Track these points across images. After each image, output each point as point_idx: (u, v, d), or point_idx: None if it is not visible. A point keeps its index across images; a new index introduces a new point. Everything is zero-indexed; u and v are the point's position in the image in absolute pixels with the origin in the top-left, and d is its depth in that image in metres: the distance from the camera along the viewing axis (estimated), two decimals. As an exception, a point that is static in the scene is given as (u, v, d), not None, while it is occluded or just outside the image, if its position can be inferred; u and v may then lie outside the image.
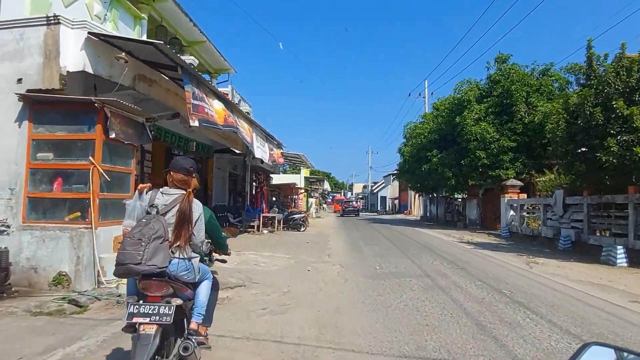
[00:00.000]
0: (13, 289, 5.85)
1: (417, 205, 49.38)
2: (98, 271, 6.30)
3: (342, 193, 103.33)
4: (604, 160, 10.38)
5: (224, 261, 3.75)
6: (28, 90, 6.34)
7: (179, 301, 2.79)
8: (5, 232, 6.29)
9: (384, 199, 66.04)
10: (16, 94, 6.33)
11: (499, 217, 21.94)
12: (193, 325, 3.04)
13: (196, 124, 7.57)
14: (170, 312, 2.68)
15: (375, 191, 73.32)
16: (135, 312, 2.69)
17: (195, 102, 7.61)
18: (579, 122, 10.91)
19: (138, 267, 2.63)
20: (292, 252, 11.43)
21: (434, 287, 7.04)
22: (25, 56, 6.43)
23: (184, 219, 2.88)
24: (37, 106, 6.52)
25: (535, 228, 16.31)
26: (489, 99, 21.44)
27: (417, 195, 49.49)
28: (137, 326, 2.68)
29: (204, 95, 8.40)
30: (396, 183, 64.08)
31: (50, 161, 6.52)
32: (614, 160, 10.01)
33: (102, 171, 6.44)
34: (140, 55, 7.42)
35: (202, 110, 8.05)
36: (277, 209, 19.26)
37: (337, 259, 10.45)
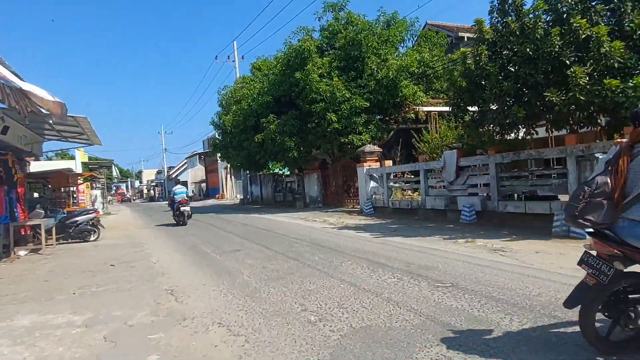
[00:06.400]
0: None
1: (230, 188, 44.51)
2: None
3: (127, 183, 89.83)
4: (554, 100, 7.76)
5: None
6: None
7: (619, 265, 2.63)
8: None
9: (185, 184, 58.26)
10: None
11: (348, 191, 19.20)
12: None
13: None
14: (608, 273, 2.61)
15: (173, 176, 64.54)
16: (585, 259, 2.80)
17: None
18: (526, 49, 7.98)
19: (571, 220, 2.79)
20: (87, 301, 5.14)
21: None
22: None
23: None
24: None
25: (413, 199, 13.71)
26: (330, 52, 17.97)
27: (229, 176, 44.50)
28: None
29: None
30: (200, 165, 57.47)
31: None
32: (581, 97, 7.42)
33: None
34: None
35: None
36: (42, 211, 11.47)
37: (193, 302, 4.87)
